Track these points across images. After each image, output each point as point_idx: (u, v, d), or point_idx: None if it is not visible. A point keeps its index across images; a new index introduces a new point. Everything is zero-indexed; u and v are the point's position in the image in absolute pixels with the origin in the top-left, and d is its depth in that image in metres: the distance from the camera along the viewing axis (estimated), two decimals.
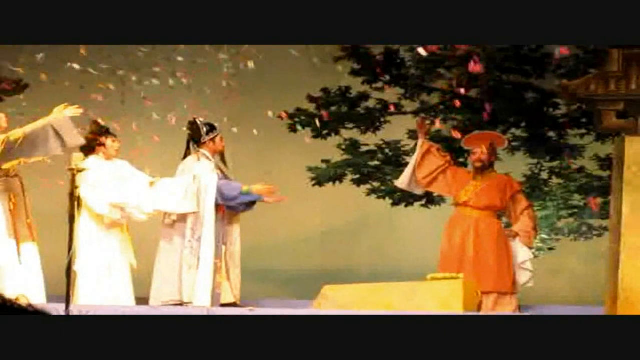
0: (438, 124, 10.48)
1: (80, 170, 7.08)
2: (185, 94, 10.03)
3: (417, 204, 11.28)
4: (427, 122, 10.07)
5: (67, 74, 9.28)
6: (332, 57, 10.88)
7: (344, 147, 11.33)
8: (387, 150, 11.37)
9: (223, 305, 8.60)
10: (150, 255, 8.84)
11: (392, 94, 11.17)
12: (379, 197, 11.38)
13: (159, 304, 8.54)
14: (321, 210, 10.96)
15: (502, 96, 11.06)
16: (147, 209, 8.56)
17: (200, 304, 8.46)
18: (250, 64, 9.41)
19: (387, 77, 11.16)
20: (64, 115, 8.03)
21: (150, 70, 9.91)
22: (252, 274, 9.06)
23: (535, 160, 11.38)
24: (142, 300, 8.76)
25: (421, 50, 8.96)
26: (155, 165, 9.20)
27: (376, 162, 11.37)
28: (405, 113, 11.17)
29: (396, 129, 11.26)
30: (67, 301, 7.00)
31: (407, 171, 9.31)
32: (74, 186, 6.98)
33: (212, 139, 8.83)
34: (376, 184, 11.38)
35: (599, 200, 10.23)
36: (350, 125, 11.30)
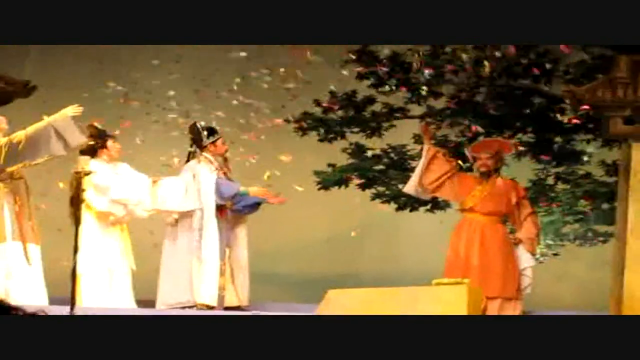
0: (444, 127, 10.49)
1: (87, 173, 7.09)
2: (192, 97, 10.04)
3: (422, 209, 11.27)
4: (432, 126, 10.05)
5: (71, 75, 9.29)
6: (339, 61, 10.87)
7: (349, 151, 11.33)
8: (392, 155, 11.37)
9: (227, 309, 8.61)
10: (148, 258, 8.86)
11: (398, 98, 11.17)
12: (383, 202, 11.38)
13: (166, 307, 8.55)
14: (326, 214, 10.96)
15: (508, 101, 11.05)
16: (148, 206, 8.59)
17: (205, 302, 8.49)
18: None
19: (394, 81, 11.15)
20: (64, 115, 8.01)
21: (155, 72, 9.91)
22: (257, 277, 9.06)
23: (541, 166, 11.37)
24: (141, 303, 8.76)
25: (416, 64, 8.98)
26: (155, 166, 9.23)
27: (381, 167, 11.37)
28: (411, 117, 11.17)
29: (402, 133, 11.25)
30: (72, 303, 7.01)
31: (414, 177, 9.27)
32: (80, 189, 6.99)
33: (213, 143, 8.86)
34: (381, 189, 11.37)
35: None
36: (356, 129, 11.30)
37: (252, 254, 8.99)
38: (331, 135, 11.20)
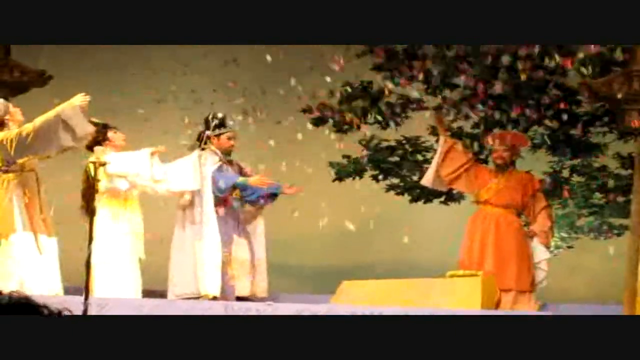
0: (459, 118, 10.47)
1: (102, 164, 7.10)
2: (208, 89, 10.04)
3: (436, 201, 11.27)
4: (447, 117, 10.02)
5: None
6: (355, 53, 10.86)
7: (364, 142, 11.32)
8: (407, 146, 11.35)
9: (239, 299, 8.63)
10: (156, 249, 8.90)
11: (413, 90, 11.14)
12: (398, 193, 11.37)
13: (175, 298, 8.59)
14: (341, 205, 10.96)
15: (524, 93, 11.01)
16: (150, 176, 8.61)
17: (208, 292, 8.52)
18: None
19: (409, 73, 11.12)
20: (72, 104, 7.98)
21: (172, 64, 9.91)
22: (271, 268, 9.07)
23: (556, 158, 11.34)
24: (149, 293, 8.80)
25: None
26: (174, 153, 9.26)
27: (396, 158, 11.36)
28: (426, 108, 11.14)
29: (417, 125, 11.23)
30: (86, 294, 7.02)
31: (431, 169, 9.26)
32: (95, 179, 6.99)
33: (217, 136, 8.87)
34: (395, 180, 11.37)
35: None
36: (371, 121, 11.28)
37: (266, 245, 9.00)
38: (346, 127, 11.19)
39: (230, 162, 8.96)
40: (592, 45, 9.17)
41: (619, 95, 8.85)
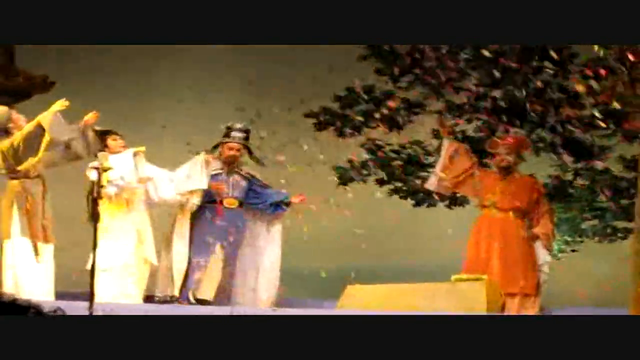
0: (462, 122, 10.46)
1: (105, 169, 7.09)
2: (211, 94, 10.05)
3: (440, 205, 11.26)
4: (450, 120, 10.00)
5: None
6: (357, 56, 10.86)
7: (367, 146, 11.31)
8: (410, 150, 11.34)
9: (199, 302, 8.67)
10: None
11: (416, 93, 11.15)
12: (401, 197, 11.36)
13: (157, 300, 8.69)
14: (345, 210, 10.94)
15: (527, 96, 11.00)
16: (133, 177, 8.61)
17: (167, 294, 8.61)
18: None
19: (412, 77, 11.12)
20: (51, 110, 8.06)
21: (176, 69, 9.92)
22: None
23: (560, 162, 11.32)
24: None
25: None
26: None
27: (399, 162, 11.35)
28: (429, 112, 11.14)
29: (420, 129, 11.22)
30: (91, 299, 7.02)
31: (435, 172, 9.24)
32: (98, 185, 6.99)
33: (222, 144, 8.92)
34: (399, 184, 11.36)
35: None
36: (374, 125, 11.28)
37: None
38: (349, 131, 11.18)
39: (234, 172, 8.96)
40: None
41: (623, 98, 8.83)
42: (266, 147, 9.83)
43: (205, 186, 8.74)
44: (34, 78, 9.12)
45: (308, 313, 7.46)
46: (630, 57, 8.51)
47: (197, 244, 8.78)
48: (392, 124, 11.20)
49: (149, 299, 8.78)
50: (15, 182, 8.17)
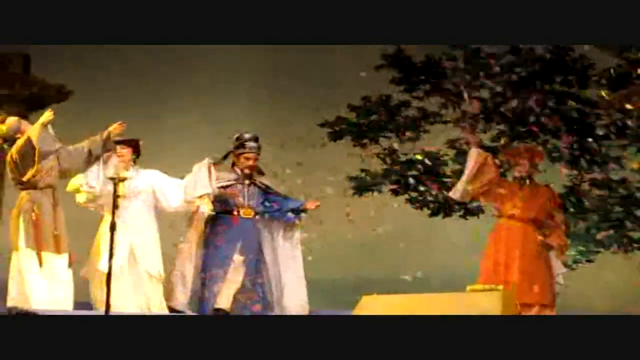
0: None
1: (122, 180, 7.10)
2: (226, 103, 10.05)
3: (455, 215, 11.24)
4: (478, 130, 9.93)
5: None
6: (373, 66, 10.86)
7: (382, 156, 11.29)
8: (426, 160, 11.32)
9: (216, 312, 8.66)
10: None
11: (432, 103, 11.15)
12: (417, 207, 11.34)
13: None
14: (359, 220, 10.94)
15: (543, 106, 10.98)
16: (98, 180, 8.56)
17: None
18: None
19: (428, 86, 11.12)
20: (39, 123, 8.10)
21: (190, 79, 9.92)
22: None
23: (575, 171, 11.30)
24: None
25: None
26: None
27: (414, 172, 11.33)
28: (445, 122, 11.12)
29: (436, 138, 11.20)
30: (107, 307, 7.04)
31: (462, 182, 9.17)
32: (115, 195, 6.99)
33: (237, 155, 8.91)
34: (414, 194, 11.34)
35: None
36: (390, 134, 11.27)
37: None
38: (365, 140, 11.17)
39: (251, 182, 8.95)
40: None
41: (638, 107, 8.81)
42: (281, 156, 9.83)
43: (211, 190, 8.70)
44: (49, 87, 9.14)
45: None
46: None
47: (213, 255, 8.77)
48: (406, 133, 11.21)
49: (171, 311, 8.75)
50: (24, 193, 8.20)
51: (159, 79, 10.40)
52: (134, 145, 8.72)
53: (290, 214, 8.99)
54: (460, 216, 11.26)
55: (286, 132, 9.83)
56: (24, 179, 8.15)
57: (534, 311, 8.87)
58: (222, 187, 8.83)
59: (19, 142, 8.16)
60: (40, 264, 7.99)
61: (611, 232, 11.33)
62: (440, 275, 10.44)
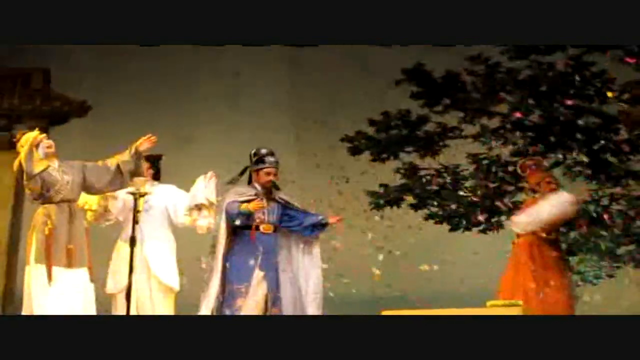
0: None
1: (142, 195, 7.10)
2: (247, 120, 10.07)
3: (475, 230, 11.22)
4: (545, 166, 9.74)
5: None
6: (393, 81, 10.87)
7: (402, 171, 11.29)
8: (445, 175, 11.32)
9: None
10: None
11: (452, 118, 11.15)
12: (436, 222, 11.33)
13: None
14: (378, 234, 10.93)
15: (563, 120, 10.97)
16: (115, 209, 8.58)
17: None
18: None
19: (448, 100, 11.12)
20: (27, 145, 8.12)
21: (211, 98, 9.94)
22: None
23: (596, 186, 11.27)
24: None
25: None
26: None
27: (435, 187, 11.32)
28: (465, 137, 11.12)
29: (455, 153, 11.20)
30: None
31: (539, 217, 9.07)
32: (135, 210, 6.99)
33: (257, 171, 8.89)
34: (434, 209, 11.33)
35: None
36: (409, 149, 11.27)
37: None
38: (384, 155, 11.18)
39: (271, 197, 8.95)
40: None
41: None
42: (301, 170, 9.83)
43: (204, 201, 8.69)
44: (71, 102, 9.16)
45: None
46: None
47: (234, 271, 8.76)
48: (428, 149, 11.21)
49: None
50: (40, 207, 8.22)
51: (182, 91, 10.43)
52: (152, 161, 8.74)
53: (310, 229, 8.98)
54: (480, 231, 11.24)
55: (306, 147, 9.83)
56: (28, 195, 8.18)
57: None
58: (246, 201, 8.83)
59: (15, 164, 8.20)
60: (50, 278, 7.98)
61: (631, 247, 11.30)
62: (461, 290, 10.42)
